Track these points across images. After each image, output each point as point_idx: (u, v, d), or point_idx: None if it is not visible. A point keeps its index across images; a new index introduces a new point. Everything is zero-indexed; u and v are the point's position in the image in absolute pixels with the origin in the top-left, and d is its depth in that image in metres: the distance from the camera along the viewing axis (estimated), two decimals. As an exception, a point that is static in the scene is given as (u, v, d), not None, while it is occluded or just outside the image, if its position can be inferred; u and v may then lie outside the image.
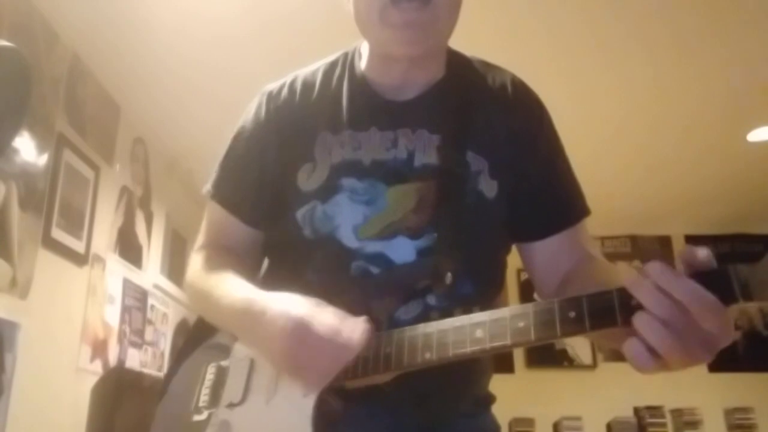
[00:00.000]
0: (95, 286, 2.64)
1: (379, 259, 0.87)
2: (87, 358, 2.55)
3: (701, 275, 0.60)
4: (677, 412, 4.23)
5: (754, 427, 4.23)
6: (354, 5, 0.92)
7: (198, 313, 1.04)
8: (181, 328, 3.72)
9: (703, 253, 0.60)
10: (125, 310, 2.93)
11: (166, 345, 3.47)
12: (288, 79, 1.03)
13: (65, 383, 2.40)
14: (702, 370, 4.42)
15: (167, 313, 3.51)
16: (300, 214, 0.92)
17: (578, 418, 4.19)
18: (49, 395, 2.28)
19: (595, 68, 2.77)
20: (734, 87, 2.93)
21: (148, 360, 3.18)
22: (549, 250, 0.95)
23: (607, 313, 0.63)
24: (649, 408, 4.23)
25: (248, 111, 1.04)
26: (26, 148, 2.18)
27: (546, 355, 4.52)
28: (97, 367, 2.63)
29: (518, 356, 4.50)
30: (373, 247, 0.88)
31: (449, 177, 0.90)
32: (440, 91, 0.96)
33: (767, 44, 2.61)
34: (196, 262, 1.02)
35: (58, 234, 2.36)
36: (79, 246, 2.52)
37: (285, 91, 1.01)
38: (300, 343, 0.76)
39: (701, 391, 4.29)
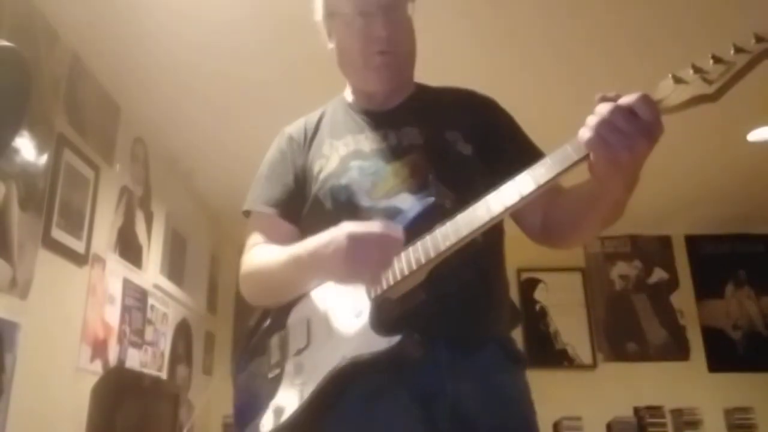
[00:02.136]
0: (95, 286, 2.64)
1: (391, 210, 1.09)
2: (87, 358, 2.55)
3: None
4: (677, 412, 4.23)
5: (754, 427, 4.22)
6: (339, 49, 1.25)
7: (260, 295, 1.21)
8: (182, 328, 3.72)
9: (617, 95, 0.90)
10: (125, 310, 2.93)
11: (166, 345, 3.47)
12: (297, 121, 1.34)
13: (65, 383, 2.40)
14: (702, 370, 4.44)
15: (167, 313, 3.51)
16: (322, 193, 1.18)
17: (578, 418, 4.19)
18: (49, 395, 2.28)
19: (595, 67, 2.78)
20: (734, 86, 2.93)
21: (148, 360, 3.18)
22: None
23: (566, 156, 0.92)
24: (649, 408, 4.22)
25: (271, 146, 1.33)
26: (26, 148, 2.18)
27: (546, 355, 4.53)
28: (97, 367, 2.63)
29: (518, 356, 4.50)
30: (384, 203, 1.12)
31: (433, 149, 1.17)
32: (413, 100, 1.29)
33: (767, 44, 2.62)
34: (246, 258, 1.23)
35: (58, 234, 2.36)
36: (79, 246, 2.52)
37: (296, 126, 1.32)
38: (356, 245, 0.97)
39: (701, 391, 4.29)
